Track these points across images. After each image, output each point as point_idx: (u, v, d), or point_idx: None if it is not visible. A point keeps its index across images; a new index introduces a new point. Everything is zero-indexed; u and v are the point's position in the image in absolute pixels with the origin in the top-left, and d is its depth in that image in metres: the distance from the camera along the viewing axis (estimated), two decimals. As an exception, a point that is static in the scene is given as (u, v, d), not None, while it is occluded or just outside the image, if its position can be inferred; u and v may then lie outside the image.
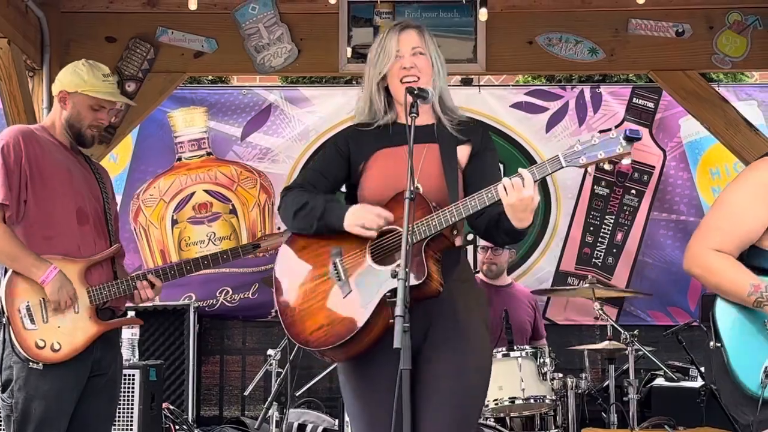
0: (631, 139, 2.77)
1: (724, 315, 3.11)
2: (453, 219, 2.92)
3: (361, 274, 3.00)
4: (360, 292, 2.98)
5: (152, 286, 3.83)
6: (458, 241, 3.12)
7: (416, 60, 3.15)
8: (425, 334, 3.03)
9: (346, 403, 3.20)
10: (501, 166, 3.30)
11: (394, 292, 2.70)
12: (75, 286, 3.68)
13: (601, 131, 2.85)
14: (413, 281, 2.82)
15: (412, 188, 2.79)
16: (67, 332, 3.65)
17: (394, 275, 2.75)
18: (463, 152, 3.18)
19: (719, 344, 3.08)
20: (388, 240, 3.01)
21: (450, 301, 3.04)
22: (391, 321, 2.63)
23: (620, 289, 6.93)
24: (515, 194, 2.80)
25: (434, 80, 3.19)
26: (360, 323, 2.93)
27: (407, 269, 2.68)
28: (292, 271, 3.14)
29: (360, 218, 3.00)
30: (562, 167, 2.83)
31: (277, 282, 3.16)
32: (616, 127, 7.26)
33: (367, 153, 3.20)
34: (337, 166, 3.25)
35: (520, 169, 2.83)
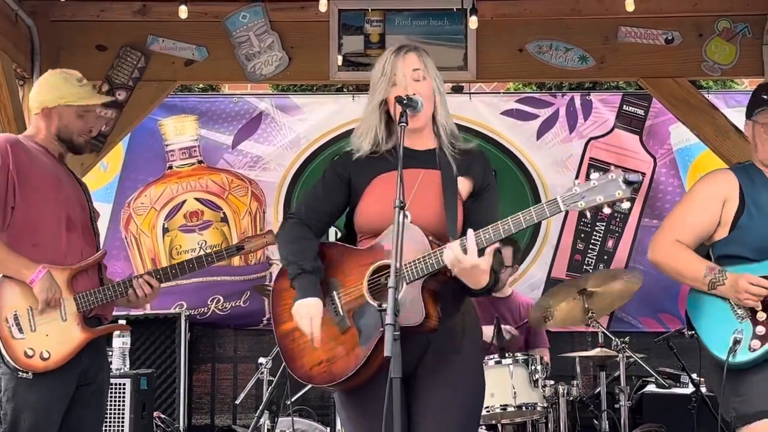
0: (631, 183, 2.80)
1: (695, 304, 3.47)
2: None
3: (360, 310, 3.00)
4: (359, 329, 2.98)
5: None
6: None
7: (417, 86, 3.11)
8: (420, 361, 3.03)
9: (345, 428, 3.20)
10: (492, 170, 3.29)
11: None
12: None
13: (602, 171, 2.86)
14: (410, 323, 2.82)
15: (402, 198, 2.79)
16: (56, 340, 3.63)
17: (379, 305, 2.77)
18: (464, 185, 3.14)
19: (692, 332, 3.44)
20: (386, 275, 2.96)
21: (450, 333, 3.04)
22: (382, 329, 2.63)
23: (611, 270, 6.82)
24: (456, 267, 2.83)
25: (436, 106, 3.17)
26: (360, 362, 2.94)
27: (398, 277, 2.68)
28: (289, 302, 3.11)
29: (298, 319, 3.02)
30: (561, 211, 2.84)
31: (275, 312, 3.17)
32: (607, 134, 7.31)
33: (367, 178, 3.16)
34: (337, 191, 3.21)
35: (468, 235, 2.83)
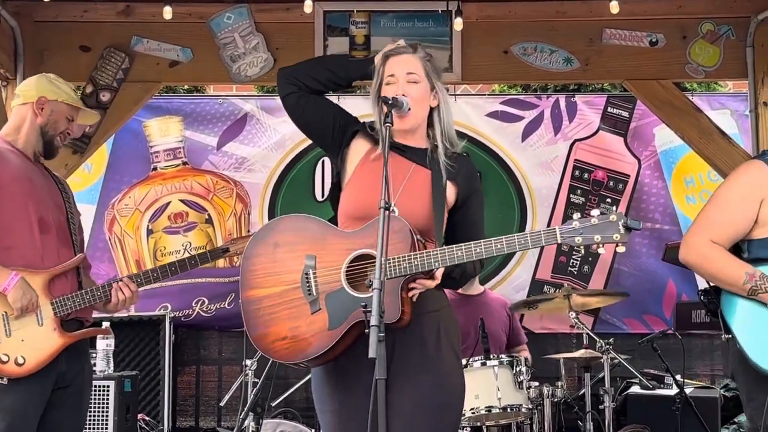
0: (630, 229, 2.83)
1: (731, 306, 3.32)
2: (437, 265, 2.91)
3: (333, 295, 2.97)
4: (329, 314, 2.96)
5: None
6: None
7: (408, 88, 3.11)
8: (393, 360, 2.98)
9: (322, 424, 3.17)
10: (478, 174, 3.31)
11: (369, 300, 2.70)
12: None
13: (603, 210, 2.87)
14: (386, 319, 2.78)
15: (386, 200, 2.78)
16: (32, 345, 3.57)
17: (364, 307, 2.73)
18: (450, 191, 3.15)
19: (729, 335, 3.30)
20: (365, 265, 2.97)
21: (419, 333, 3.02)
22: (367, 331, 2.63)
23: (596, 290, 6.90)
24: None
25: (436, 109, 3.18)
26: (325, 347, 2.94)
27: (382, 280, 2.67)
28: (260, 269, 3.09)
29: None
30: (557, 243, 2.88)
31: (244, 277, 3.11)
32: (592, 136, 7.33)
33: (358, 156, 3.18)
34: (340, 113, 3.23)
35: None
